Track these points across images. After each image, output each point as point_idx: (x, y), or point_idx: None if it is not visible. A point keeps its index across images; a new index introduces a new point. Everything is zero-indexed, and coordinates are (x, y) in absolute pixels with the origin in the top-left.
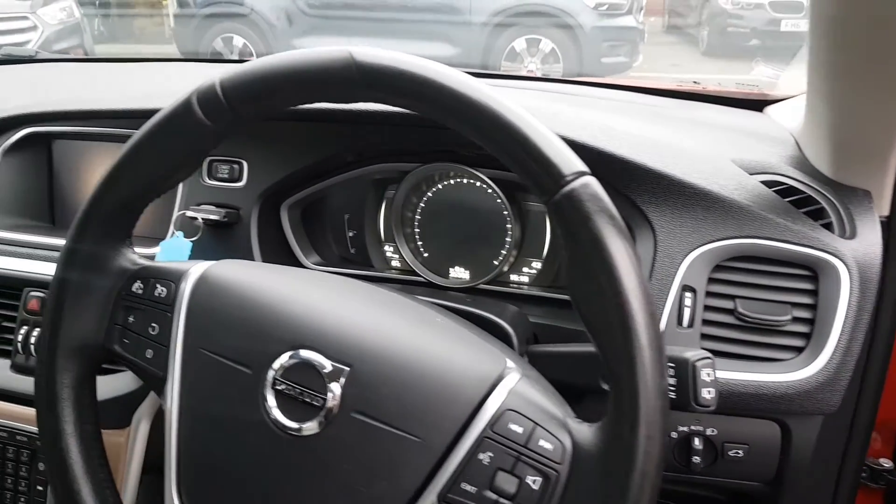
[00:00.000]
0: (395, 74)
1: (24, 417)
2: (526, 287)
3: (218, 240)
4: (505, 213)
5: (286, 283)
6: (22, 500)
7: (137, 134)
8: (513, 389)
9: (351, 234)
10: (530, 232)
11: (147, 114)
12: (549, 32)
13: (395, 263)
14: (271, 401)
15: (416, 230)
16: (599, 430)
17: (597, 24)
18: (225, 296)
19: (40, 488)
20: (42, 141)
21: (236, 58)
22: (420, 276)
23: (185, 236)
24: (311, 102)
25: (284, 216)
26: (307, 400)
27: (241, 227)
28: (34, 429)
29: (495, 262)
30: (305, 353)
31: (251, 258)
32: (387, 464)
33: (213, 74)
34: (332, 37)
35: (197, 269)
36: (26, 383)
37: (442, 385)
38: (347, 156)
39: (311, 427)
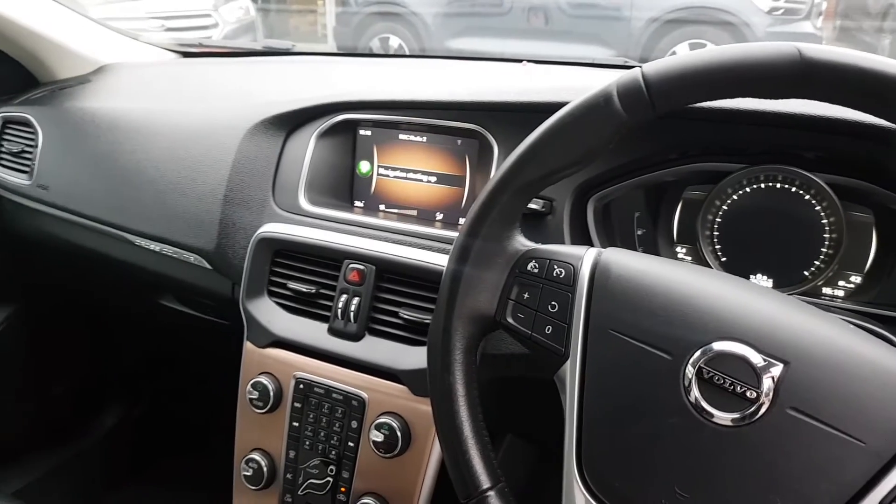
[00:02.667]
0: (855, 72)
1: (338, 377)
2: (840, 301)
3: (528, 229)
4: (824, 221)
5: (687, 274)
6: (333, 453)
7: (550, 120)
8: None
9: (640, 232)
10: (852, 244)
11: (472, 106)
12: (715, 36)
13: None
14: (695, 389)
15: (716, 233)
16: None
17: (770, 29)
18: (632, 282)
19: (351, 444)
20: (350, 127)
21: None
22: None
23: None
24: (739, 97)
25: (590, 210)
26: (738, 391)
27: (554, 218)
28: (346, 387)
29: (805, 273)
30: (732, 345)
31: None
32: (823, 464)
33: (633, 70)
34: (486, 38)
35: (590, 255)
36: (341, 346)
37: (885, 391)
38: (671, 152)
39: (740, 419)
